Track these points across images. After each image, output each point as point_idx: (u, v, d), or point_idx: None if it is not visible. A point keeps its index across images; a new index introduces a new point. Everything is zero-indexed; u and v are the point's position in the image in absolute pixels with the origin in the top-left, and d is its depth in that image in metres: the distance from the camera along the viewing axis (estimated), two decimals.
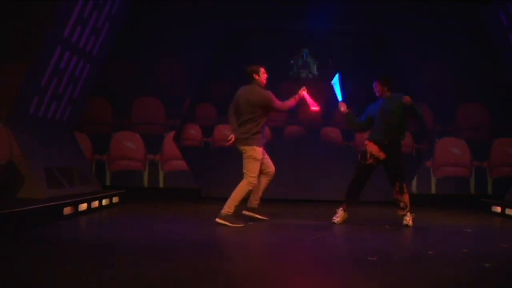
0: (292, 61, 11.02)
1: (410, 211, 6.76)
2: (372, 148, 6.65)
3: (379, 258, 4.55)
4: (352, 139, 11.00)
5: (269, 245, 5.50)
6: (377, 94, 6.81)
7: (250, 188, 6.52)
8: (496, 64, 10.10)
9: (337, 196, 10.33)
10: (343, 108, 6.92)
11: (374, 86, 6.80)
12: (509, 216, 7.88)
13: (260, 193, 6.82)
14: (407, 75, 10.62)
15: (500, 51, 9.78)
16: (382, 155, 6.61)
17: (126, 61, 10.65)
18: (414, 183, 10.60)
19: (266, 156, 6.76)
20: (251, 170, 6.47)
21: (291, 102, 6.77)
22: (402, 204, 6.68)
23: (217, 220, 6.43)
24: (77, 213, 7.09)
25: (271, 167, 6.76)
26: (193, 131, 11.11)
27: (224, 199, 6.56)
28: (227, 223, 6.37)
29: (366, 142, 6.78)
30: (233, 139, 6.55)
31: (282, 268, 4.20)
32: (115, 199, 8.67)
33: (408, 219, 6.70)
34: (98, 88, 10.15)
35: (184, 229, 6.25)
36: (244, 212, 6.85)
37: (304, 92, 6.80)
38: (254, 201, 6.84)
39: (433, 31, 10.49)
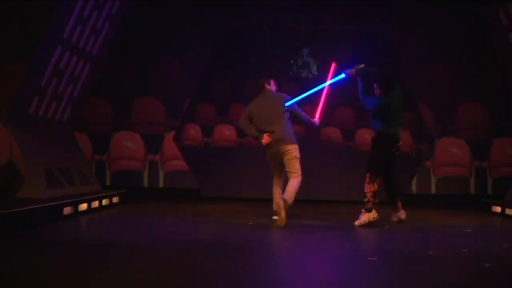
0: (292, 61, 11.02)
1: (369, 209, 6.56)
2: None
3: (379, 258, 4.56)
4: (352, 139, 11.00)
5: (269, 245, 5.50)
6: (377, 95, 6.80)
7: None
8: (496, 64, 10.10)
9: (336, 196, 10.39)
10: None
11: (375, 87, 6.82)
12: (509, 216, 7.88)
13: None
14: (407, 75, 10.61)
15: (500, 51, 9.78)
16: None
17: (126, 61, 10.64)
18: (414, 183, 10.60)
19: None
20: (299, 169, 6.65)
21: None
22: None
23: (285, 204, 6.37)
24: (77, 213, 7.09)
25: None
26: (193, 131, 11.11)
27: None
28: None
29: None
30: (269, 140, 6.65)
31: (282, 268, 4.20)
32: (115, 199, 8.67)
33: (361, 217, 6.59)
34: (98, 88, 10.14)
35: (184, 229, 6.25)
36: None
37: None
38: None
39: (433, 31, 10.49)
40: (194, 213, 8.07)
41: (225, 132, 10.99)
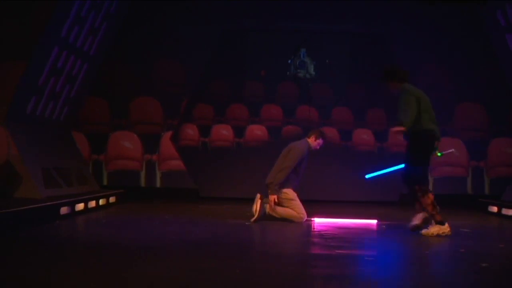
0: (289, 61, 11.01)
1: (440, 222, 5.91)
2: None
3: (377, 257, 4.56)
4: (349, 139, 11.00)
5: (268, 245, 5.50)
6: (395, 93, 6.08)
7: None
8: (494, 64, 10.11)
9: (334, 196, 10.39)
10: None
11: (388, 87, 6.14)
12: (505, 216, 7.89)
13: None
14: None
15: (498, 51, 9.79)
16: None
17: (124, 60, 10.63)
18: None
19: None
20: None
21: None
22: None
23: None
24: (74, 213, 7.08)
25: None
26: (191, 131, 11.09)
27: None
28: None
29: None
30: None
31: (281, 267, 4.20)
32: (112, 199, 8.66)
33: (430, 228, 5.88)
34: (95, 88, 10.14)
35: (181, 229, 6.25)
36: None
37: None
38: None
39: (432, 31, 10.49)
40: (192, 213, 8.06)
41: (223, 132, 10.97)
